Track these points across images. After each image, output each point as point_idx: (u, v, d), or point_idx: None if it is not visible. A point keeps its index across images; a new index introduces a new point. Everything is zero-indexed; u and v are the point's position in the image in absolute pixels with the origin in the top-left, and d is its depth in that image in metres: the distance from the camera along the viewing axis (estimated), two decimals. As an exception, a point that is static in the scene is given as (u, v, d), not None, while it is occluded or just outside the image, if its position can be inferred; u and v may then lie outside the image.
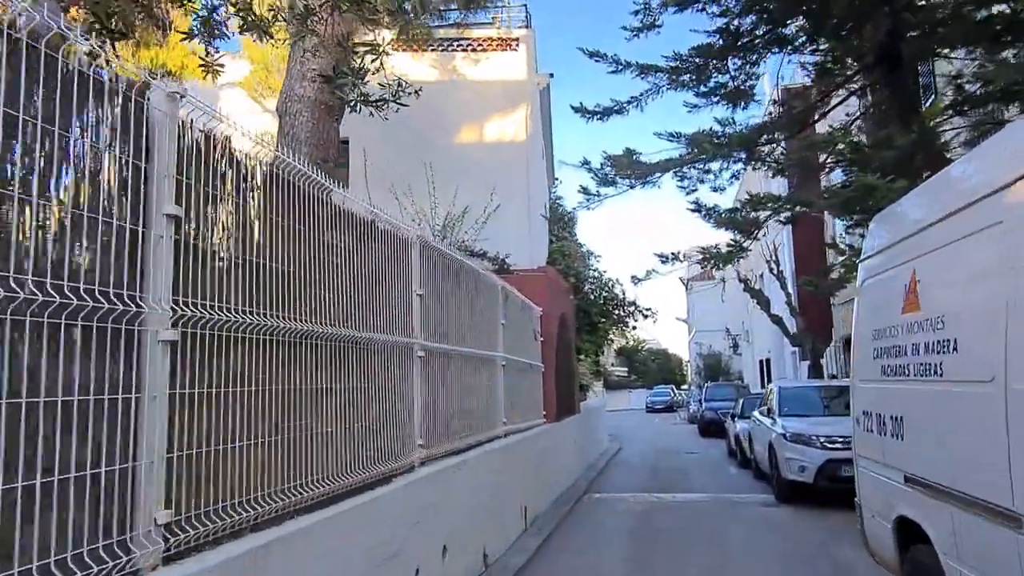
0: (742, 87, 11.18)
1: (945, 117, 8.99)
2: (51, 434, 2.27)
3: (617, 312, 19.61)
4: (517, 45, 15.85)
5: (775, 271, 22.24)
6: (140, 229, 2.71)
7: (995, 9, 7.82)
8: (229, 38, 6.06)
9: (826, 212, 19.64)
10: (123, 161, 2.64)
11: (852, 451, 5.84)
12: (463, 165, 13.91)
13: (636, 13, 10.93)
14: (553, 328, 12.16)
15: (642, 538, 8.90)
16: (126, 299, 2.57)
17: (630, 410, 50.36)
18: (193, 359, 2.94)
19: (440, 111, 14.93)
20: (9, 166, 2.18)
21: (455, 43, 15.72)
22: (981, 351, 3.55)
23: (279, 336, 3.52)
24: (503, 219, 12.96)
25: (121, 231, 2.62)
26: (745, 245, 12.04)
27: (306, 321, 3.81)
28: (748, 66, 11.01)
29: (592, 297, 18.59)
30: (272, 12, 5.76)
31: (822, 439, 10.39)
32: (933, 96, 11.33)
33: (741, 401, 17.78)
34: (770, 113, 13.25)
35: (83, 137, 2.46)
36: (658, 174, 11.45)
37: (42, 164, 2.30)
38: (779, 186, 18.54)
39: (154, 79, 2.83)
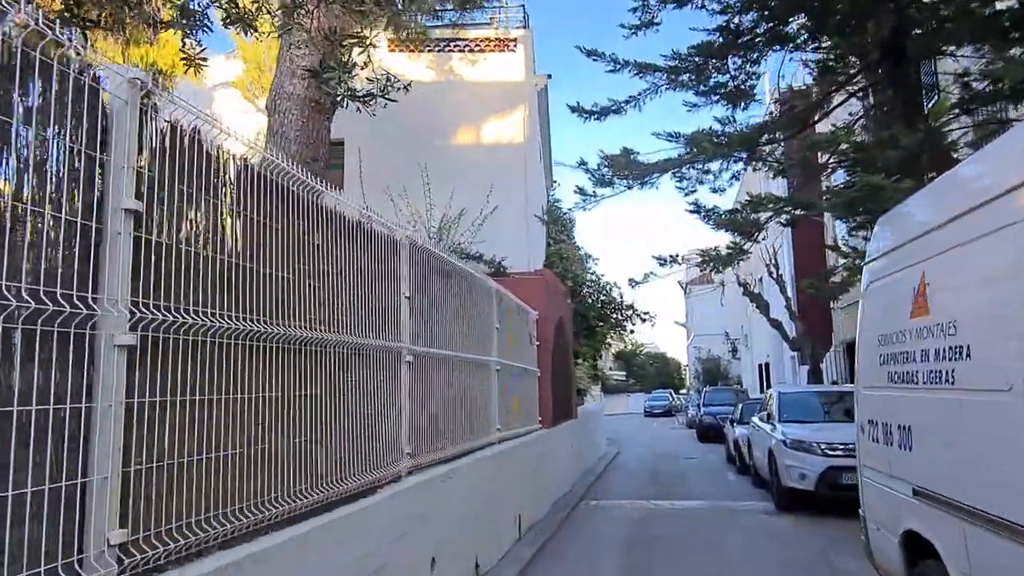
0: (742, 86, 10.99)
1: (952, 116, 8.81)
2: (-13, 448, 2.07)
3: (615, 316, 19.44)
4: (515, 46, 15.70)
5: (775, 275, 22.07)
6: (94, 225, 2.50)
7: (1003, 5, 7.63)
8: (211, 31, 5.87)
9: (826, 216, 19.50)
10: (75, 151, 2.44)
11: (856, 460, 5.64)
12: (460, 167, 13.75)
13: (634, 10, 10.73)
14: (550, 332, 11.98)
15: (639, 547, 8.71)
16: (76, 300, 2.36)
17: (628, 414, 50.25)
18: (154, 365, 2.73)
19: (437, 112, 14.78)
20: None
21: (452, 43, 15.57)
22: (997, 358, 3.36)
23: (252, 341, 3.32)
24: (500, 222, 12.79)
25: (72, 226, 2.42)
26: (745, 247, 11.84)
27: (283, 325, 3.60)
28: (749, 64, 10.80)
29: (590, 301, 18.42)
30: (256, 4, 5.57)
31: (823, 446, 10.19)
32: (936, 96, 11.15)
33: (740, 406, 17.59)
34: (771, 113, 13.06)
35: (27, 124, 2.26)
36: (656, 175, 11.24)
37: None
38: (780, 188, 18.36)
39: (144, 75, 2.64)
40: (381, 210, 5.62)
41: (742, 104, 11.12)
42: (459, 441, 6.73)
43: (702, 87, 10.98)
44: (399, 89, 6.27)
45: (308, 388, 3.85)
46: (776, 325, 22.44)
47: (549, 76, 18.69)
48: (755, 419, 13.55)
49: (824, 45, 10.46)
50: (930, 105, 10.21)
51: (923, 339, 4.18)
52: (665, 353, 75.91)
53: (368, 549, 4.40)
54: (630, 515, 10.86)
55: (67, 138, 2.41)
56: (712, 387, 35.82)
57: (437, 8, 10.25)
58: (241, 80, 13.89)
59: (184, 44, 5.74)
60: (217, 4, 5.33)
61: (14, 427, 2.16)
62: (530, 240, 15.01)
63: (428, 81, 15.18)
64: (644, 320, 20.15)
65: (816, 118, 11.91)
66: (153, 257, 2.75)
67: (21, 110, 2.24)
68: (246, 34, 5.64)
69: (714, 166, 11.57)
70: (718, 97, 10.99)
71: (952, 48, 8.89)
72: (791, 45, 10.60)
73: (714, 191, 12.51)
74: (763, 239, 13.07)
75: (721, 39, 10.39)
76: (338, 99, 6.25)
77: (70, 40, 2.38)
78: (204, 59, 5.63)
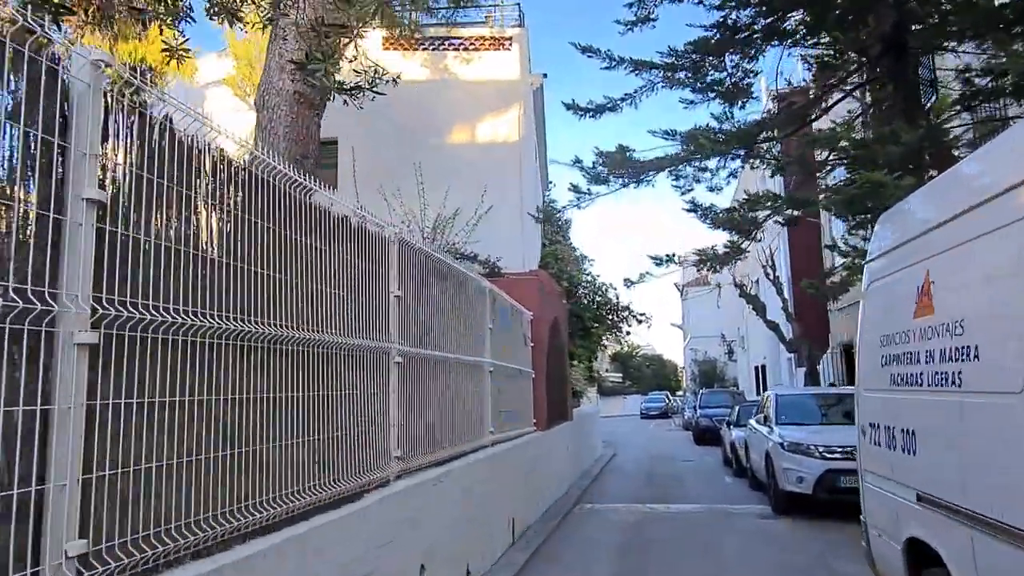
0: (740, 84, 10.84)
1: (953, 112, 8.67)
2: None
3: (611, 317, 19.29)
4: (510, 44, 15.57)
5: (771, 276, 21.95)
6: (52, 215, 2.35)
7: (1005, -1, 7.52)
8: (194, 21, 5.70)
9: (823, 217, 19.40)
10: (31, 136, 2.28)
11: (856, 464, 5.50)
12: (455, 166, 13.61)
13: (630, 5, 10.58)
14: (545, 333, 11.83)
15: (635, 551, 8.56)
16: (31, 295, 2.21)
17: (624, 416, 50.12)
18: (119, 365, 2.57)
19: (432, 111, 14.65)
20: None
21: (447, 42, 15.43)
22: (1008, 359, 3.21)
23: (227, 340, 3.16)
24: (495, 222, 12.65)
25: (27, 216, 2.26)
26: (743, 246, 11.70)
27: (263, 323, 3.44)
28: (746, 60, 10.66)
29: (585, 302, 18.27)
30: (240, -6, 5.42)
31: (821, 449, 10.05)
32: (934, 93, 11.02)
33: (737, 408, 17.46)
34: (769, 111, 12.91)
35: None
36: (652, 172, 11.09)
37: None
38: (778, 187, 18.22)
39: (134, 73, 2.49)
40: (375, 210, 5.47)
41: (740, 102, 10.98)
42: (451, 444, 6.58)
43: (699, 84, 10.84)
44: (387, 82, 6.12)
45: (288, 390, 3.69)
46: (773, 327, 22.32)
47: (545, 76, 18.54)
48: (752, 421, 13.42)
49: (823, 41, 10.33)
50: (929, 102, 10.06)
51: (928, 339, 4.04)
52: (661, 355, 75.90)
53: (354, 555, 4.25)
54: (626, 518, 10.71)
55: (22, 122, 2.25)
56: (708, 389, 35.69)
57: (430, 3, 10.11)
58: (232, 78, 13.72)
59: (162, 32, 5.56)
60: (201, -6, 5.18)
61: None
62: (525, 240, 14.87)
63: (423, 80, 15.05)
64: (640, 321, 20.02)
65: (814, 115, 11.77)
66: (119, 251, 2.60)
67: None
68: (230, 24, 5.48)
69: (711, 163, 11.43)
70: (715, 94, 10.85)
71: (954, 44, 8.75)
72: (789, 41, 10.46)
73: (711, 190, 12.37)
74: (760, 239, 12.94)
75: (718, 35, 10.25)
76: (325, 91, 6.08)
77: (23, 15, 2.23)
78: (186, 50, 5.46)
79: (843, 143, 9.58)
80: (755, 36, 10.15)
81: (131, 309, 2.59)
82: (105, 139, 2.59)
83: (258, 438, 3.36)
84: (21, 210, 2.24)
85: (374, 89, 6.09)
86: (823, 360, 21.37)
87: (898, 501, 4.45)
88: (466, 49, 15.48)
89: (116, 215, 2.60)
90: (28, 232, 2.26)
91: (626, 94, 11.20)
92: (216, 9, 5.21)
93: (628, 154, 11.03)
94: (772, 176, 15.20)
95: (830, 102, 11.55)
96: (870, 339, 5.12)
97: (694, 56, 10.53)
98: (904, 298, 4.41)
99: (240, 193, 3.35)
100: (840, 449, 9.78)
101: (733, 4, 9.87)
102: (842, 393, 12.63)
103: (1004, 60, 7.24)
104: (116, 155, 2.64)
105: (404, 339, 5.44)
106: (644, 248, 66.66)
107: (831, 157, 11.12)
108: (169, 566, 2.76)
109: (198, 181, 3.07)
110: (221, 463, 3.11)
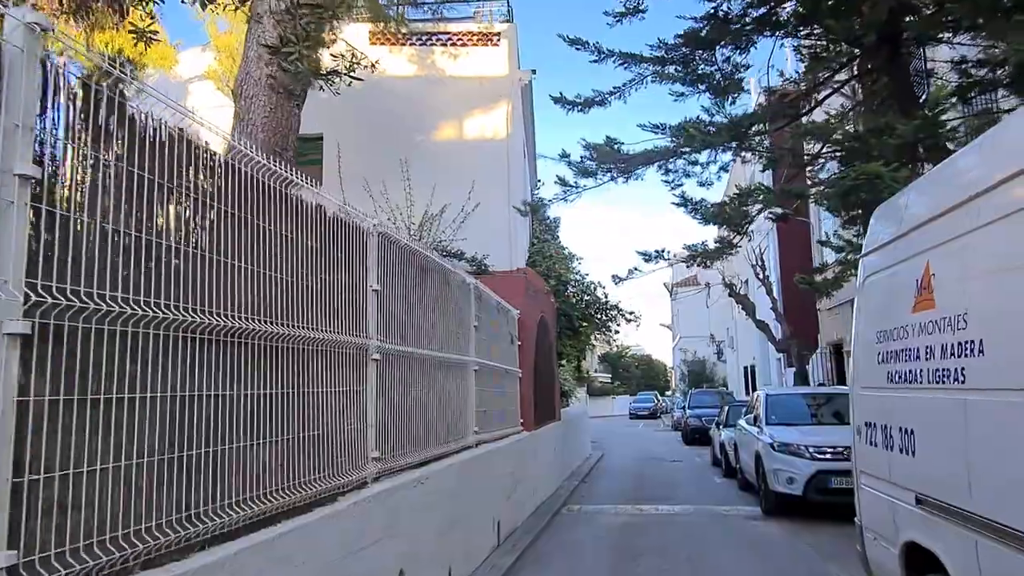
0: (730, 77, 10.66)
1: (949, 103, 8.54)
2: None
3: (599, 316, 19.10)
4: (498, 40, 15.38)
5: (761, 276, 21.86)
6: (-24, 192, 2.13)
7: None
8: (163, 1, 5.46)
9: (814, 215, 19.31)
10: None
11: (851, 465, 5.33)
12: (442, 163, 13.40)
13: (620, -5, 10.38)
14: (532, 331, 11.64)
15: (623, 554, 8.37)
16: (-50, 279, 1.99)
17: (613, 416, 50.00)
18: (56, 358, 2.35)
19: (418, 107, 14.45)
20: None
21: (434, 37, 15.22)
22: (1015, 354, 3.03)
23: (181, 332, 2.94)
24: (483, 219, 12.44)
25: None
26: (734, 241, 11.52)
27: (224, 315, 3.22)
28: (738, 53, 10.48)
29: (574, 300, 18.06)
30: (213, -26, 5.20)
31: (811, 449, 9.91)
32: (927, 85, 10.89)
33: (726, 409, 17.32)
34: (760, 104, 12.74)
35: None
36: (642, 166, 10.89)
37: None
38: (768, 182, 18.11)
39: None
40: (361, 206, 5.26)
41: (730, 96, 10.80)
42: (433, 444, 6.37)
43: (689, 77, 10.65)
44: (365, 67, 5.90)
45: (251, 387, 3.46)
46: (762, 327, 22.23)
47: (534, 72, 18.32)
48: (742, 422, 13.27)
49: (815, 32, 10.16)
50: (924, 94, 9.92)
51: (928, 335, 3.86)
52: (651, 355, 75.94)
53: (328, 559, 4.04)
54: (614, 521, 10.53)
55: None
56: (698, 389, 35.61)
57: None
58: (214, 71, 13.45)
59: (129, 13, 5.33)
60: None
61: None
62: (513, 238, 14.67)
63: (410, 75, 14.84)
64: (629, 320, 19.83)
65: (806, 108, 11.60)
66: (58, 233, 2.38)
67: None
68: (203, 8, 5.25)
69: (702, 157, 11.23)
70: (705, 87, 10.67)
71: (949, 35, 8.62)
72: (782, 32, 10.29)
73: (701, 184, 12.15)
74: (751, 234, 12.78)
75: (709, 27, 10.07)
76: (302, 78, 5.85)
77: None
78: (155, 32, 5.23)
79: (836, 135, 9.43)
80: (747, 27, 9.98)
81: (71, 297, 2.37)
82: (44, 111, 2.37)
83: (216, 439, 3.14)
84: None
85: (351, 75, 5.87)
86: (812, 360, 21.29)
87: (895, 503, 4.28)
88: (454, 44, 15.27)
89: (54, 194, 2.38)
90: (-52, 209, 2.04)
91: (615, 87, 11.02)
92: (187, -9, 5.00)
93: (617, 147, 10.84)
94: (764, 171, 15.05)
95: (822, 95, 11.40)
96: (865, 335, 4.95)
97: (684, 49, 10.34)
98: (902, 292, 4.24)
99: (199, 175, 3.13)
100: (831, 449, 9.66)
101: (725, -7, 9.72)
102: (832, 393, 12.50)
103: (1000, 50, 7.11)
104: (56, 129, 2.42)
105: (383, 335, 5.22)
106: (633, 248, 66.60)
107: (824, 150, 10.95)
108: (116, 577, 2.54)
109: (152, 162, 2.85)
110: (176, 465, 2.89)
